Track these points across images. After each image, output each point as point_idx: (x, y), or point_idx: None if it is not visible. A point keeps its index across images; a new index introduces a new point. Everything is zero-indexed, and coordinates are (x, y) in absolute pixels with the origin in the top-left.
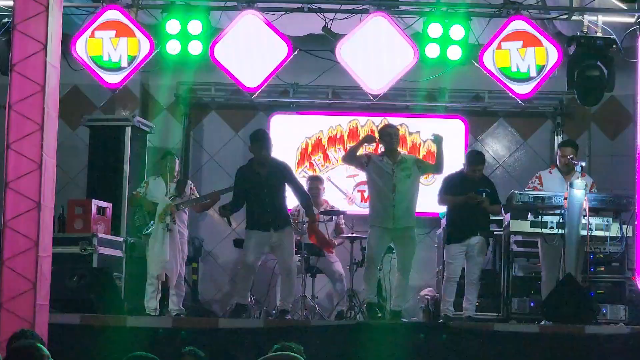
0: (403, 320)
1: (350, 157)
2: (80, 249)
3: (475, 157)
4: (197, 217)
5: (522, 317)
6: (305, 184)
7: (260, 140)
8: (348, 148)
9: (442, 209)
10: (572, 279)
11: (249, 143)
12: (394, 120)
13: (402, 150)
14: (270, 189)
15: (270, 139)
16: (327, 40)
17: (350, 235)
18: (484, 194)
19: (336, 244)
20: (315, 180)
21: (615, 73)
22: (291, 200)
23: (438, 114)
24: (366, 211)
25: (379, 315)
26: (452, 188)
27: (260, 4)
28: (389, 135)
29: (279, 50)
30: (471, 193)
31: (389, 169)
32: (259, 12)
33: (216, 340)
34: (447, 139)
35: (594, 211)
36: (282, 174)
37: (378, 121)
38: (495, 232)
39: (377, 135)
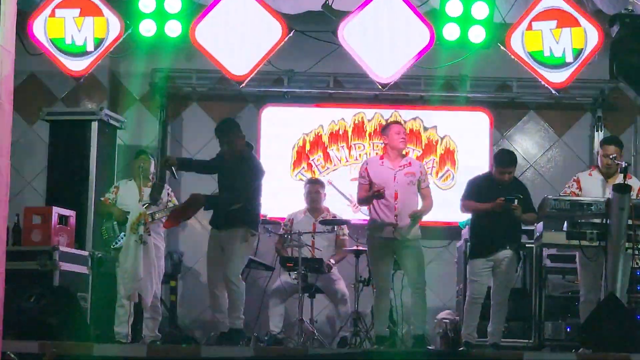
0: (429, 348)
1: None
2: (39, 265)
3: (505, 158)
4: (175, 228)
5: (557, 344)
6: (303, 189)
7: (222, 133)
8: (359, 198)
9: (463, 217)
10: (616, 299)
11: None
12: (407, 114)
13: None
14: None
15: (234, 129)
16: (328, 19)
17: (355, 248)
18: (516, 200)
19: (333, 262)
20: (314, 184)
21: None
22: (288, 208)
23: (458, 105)
24: None
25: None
26: (478, 193)
27: None
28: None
29: (272, 31)
30: (499, 199)
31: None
32: None
33: None
34: (469, 134)
35: None
36: (241, 165)
37: (388, 114)
38: (526, 245)
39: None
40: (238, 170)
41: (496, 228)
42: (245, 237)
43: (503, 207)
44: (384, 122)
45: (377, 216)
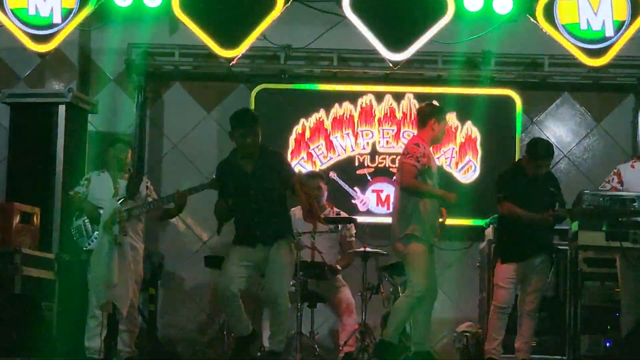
0: None
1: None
2: None
3: (542, 149)
4: (155, 227)
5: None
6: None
7: (245, 123)
8: (419, 187)
9: (487, 215)
10: None
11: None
12: (422, 96)
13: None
14: (259, 190)
15: (258, 121)
16: None
17: (362, 250)
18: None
19: (340, 267)
20: (314, 179)
21: None
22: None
23: (481, 86)
24: (385, 219)
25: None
26: (513, 190)
27: None
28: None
29: (266, 1)
30: (550, 213)
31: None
32: None
33: None
34: (494, 120)
35: None
36: (275, 168)
37: (401, 97)
38: (559, 247)
39: None
40: (275, 168)
41: (530, 230)
42: (291, 247)
43: (549, 219)
44: (395, 106)
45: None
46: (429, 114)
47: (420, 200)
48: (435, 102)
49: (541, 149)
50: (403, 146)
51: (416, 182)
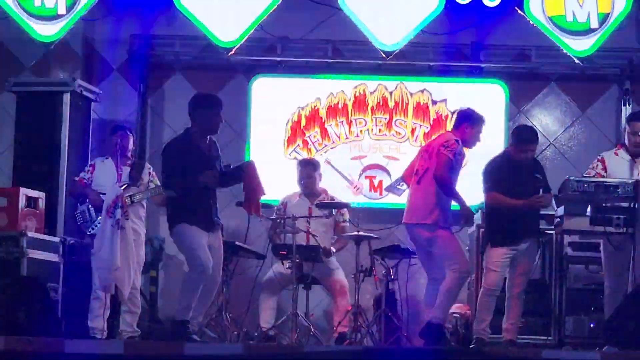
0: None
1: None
2: (5, 252)
3: (526, 134)
4: (156, 212)
5: (579, 341)
6: (295, 169)
7: (219, 103)
8: (448, 183)
9: (476, 201)
10: None
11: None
12: (414, 85)
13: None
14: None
15: None
16: None
17: (355, 234)
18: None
19: (334, 250)
20: (307, 166)
21: None
22: (282, 190)
23: (470, 77)
24: (378, 204)
25: None
26: (500, 180)
27: None
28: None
29: None
30: (537, 197)
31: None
32: None
33: None
34: (482, 109)
35: None
36: (218, 153)
37: (392, 86)
38: (545, 232)
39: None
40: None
41: (519, 215)
42: None
43: (539, 203)
44: (387, 95)
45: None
46: (464, 117)
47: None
48: (475, 110)
49: (526, 134)
50: (397, 136)
51: (449, 177)
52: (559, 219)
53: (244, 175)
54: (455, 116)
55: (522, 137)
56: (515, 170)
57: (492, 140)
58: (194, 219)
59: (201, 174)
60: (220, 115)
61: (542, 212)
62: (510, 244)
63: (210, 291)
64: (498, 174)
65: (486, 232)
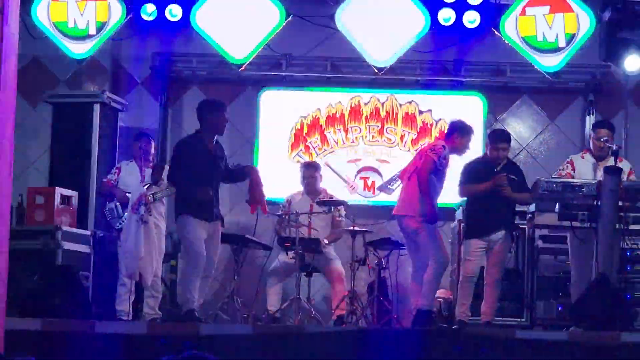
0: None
1: None
2: (42, 244)
3: (498, 134)
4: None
5: (549, 323)
6: (299, 171)
7: (224, 107)
8: (425, 186)
9: (457, 199)
10: (606, 279)
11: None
12: (403, 97)
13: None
14: (219, 169)
15: None
16: (326, 3)
17: (351, 228)
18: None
19: (327, 242)
20: (309, 168)
21: None
22: (286, 190)
23: (453, 89)
24: (371, 201)
25: None
26: (475, 176)
27: None
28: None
29: (270, 16)
30: (499, 175)
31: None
32: None
33: (198, 349)
34: (463, 118)
35: (632, 201)
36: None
37: (384, 98)
38: (519, 226)
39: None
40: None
41: (491, 209)
42: None
43: (502, 181)
44: (379, 106)
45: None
46: (454, 128)
47: (432, 188)
48: (465, 122)
49: (497, 133)
50: (388, 142)
51: (426, 178)
52: (530, 215)
53: (248, 178)
54: (447, 126)
55: (494, 136)
56: (488, 168)
57: (472, 147)
58: (195, 210)
59: (199, 189)
60: (225, 117)
61: (516, 209)
62: (484, 235)
63: (207, 277)
64: (473, 170)
65: (464, 225)
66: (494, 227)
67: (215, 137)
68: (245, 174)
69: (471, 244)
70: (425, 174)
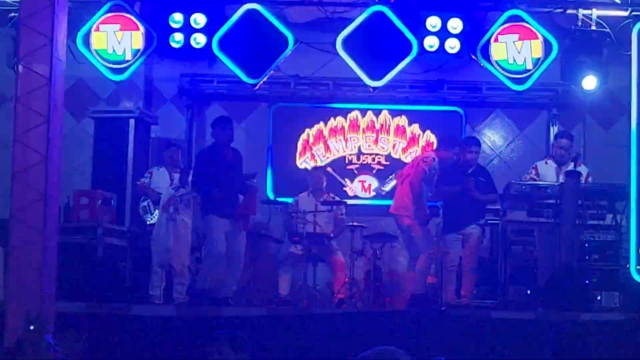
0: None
1: None
2: (86, 239)
3: (468, 139)
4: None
5: (519, 304)
6: (308, 175)
7: (227, 124)
8: (416, 193)
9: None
10: (568, 267)
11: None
12: (394, 112)
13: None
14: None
15: None
16: (329, 30)
17: (351, 224)
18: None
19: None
20: (318, 171)
21: (609, 65)
22: (295, 191)
23: (437, 105)
24: (368, 201)
25: None
26: (448, 178)
27: None
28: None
29: (281, 42)
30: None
31: None
32: (260, 4)
33: (220, 328)
34: (446, 129)
35: (590, 201)
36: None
37: (378, 112)
38: (493, 222)
39: None
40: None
41: (463, 207)
42: None
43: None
44: (374, 119)
45: None
46: (443, 142)
47: (423, 194)
48: (454, 137)
49: (470, 139)
50: (382, 149)
51: (418, 185)
52: (503, 212)
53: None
54: (436, 139)
55: (465, 142)
56: (460, 171)
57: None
58: (217, 209)
59: (217, 191)
60: (230, 131)
61: (490, 207)
62: (459, 229)
63: (236, 265)
64: (447, 173)
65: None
66: (467, 222)
67: (232, 146)
68: (246, 189)
69: (448, 238)
70: (417, 182)
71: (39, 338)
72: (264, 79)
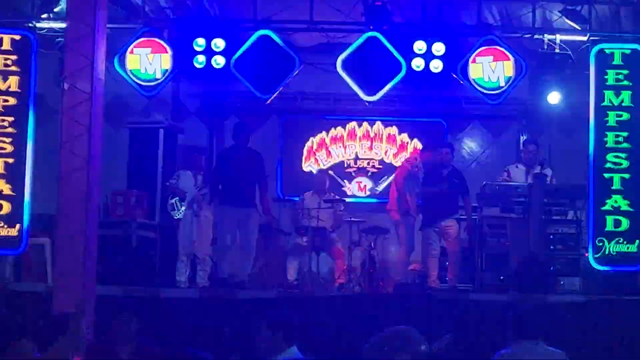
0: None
1: None
2: (122, 232)
3: (443, 144)
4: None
5: (494, 287)
6: (313, 176)
7: (242, 130)
8: (400, 187)
9: None
10: (535, 256)
11: (266, 142)
12: (386, 123)
13: (393, 148)
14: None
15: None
16: (330, 53)
17: (349, 219)
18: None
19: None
20: (323, 173)
21: (571, 82)
22: (300, 190)
23: (423, 116)
24: (363, 200)
25: None
26: (427, 177)
27: (273, 25)
28: None
29: (289, 63)
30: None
31: None
32: (271, 30)
33: (236, 309)
34: (431, 137)
35: (553, 198)
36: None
37: (372, 123)
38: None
39: None
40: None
41: (439, 205)
42: None
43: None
44: (369, 129)
45: None
46: (426, 146)
47: (405, 188)
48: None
49: (444, 143)
50: (375, 155)
51: (400, 182)
52: (480, 209)
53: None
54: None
55: (441, 145)
56: (437, 172)
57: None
58: (225, 198)
59: (227, 182)
60: (244, 133)
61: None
62: (434, 223)
63: (249, 251)
64: (427, 173)
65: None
66: (441, 216)
67: (249, 147)
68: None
69: (427, 231)
70: (400, 178)
71: (78, 320)
72: (275, 95)
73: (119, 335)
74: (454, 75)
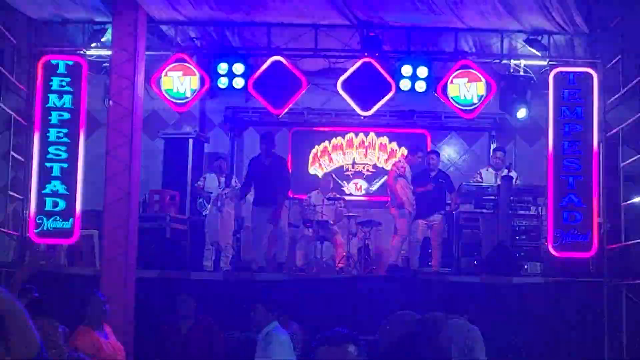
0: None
1: None
2: (157, 225)
3: (431, 151)
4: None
5: (469, 271)
6: (319, 178)
7: (264, 139)
8: (391, 186)
9: None
10: (503, 245)
11: (278, 150)
12: (379, 134)
13: (383, 155)
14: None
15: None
16: (332, 76)
17: (348, 214)
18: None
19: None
20: (327, 175)
21: (533, 100)
22: (307, 190)
23: (409, 128)
24: (360, 198)
25: None
26: (417, 178)
27: (284, 52)
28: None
29: (297, 84)
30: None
31: None
32: (283, 56)
33: (254, 288)
34: (415, 146)
35: (518, 197)
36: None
37: (367, 134)
38: (450, 212)
39: None
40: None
41: (429, 200)
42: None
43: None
44: (364, 139)
45: None
46: (410, 150)
47: (405, 188)
48: (417, 150)
49: (431, 151)
50: (370, 160)
51: (392, 183)
52: (457, 206)
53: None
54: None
55: (429, 152)
56: (426, 174)
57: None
58: (257, 201)
59: (256, 188)
60: (264, 144)
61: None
62: (426, 217)
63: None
64: (417, 175)
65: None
66: (431, 211)
67: (273, 152)
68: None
69: (418, 223)
70: (390, 179)
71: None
72: (285, 110)
73: (180, 312)
74: (435, 94)
